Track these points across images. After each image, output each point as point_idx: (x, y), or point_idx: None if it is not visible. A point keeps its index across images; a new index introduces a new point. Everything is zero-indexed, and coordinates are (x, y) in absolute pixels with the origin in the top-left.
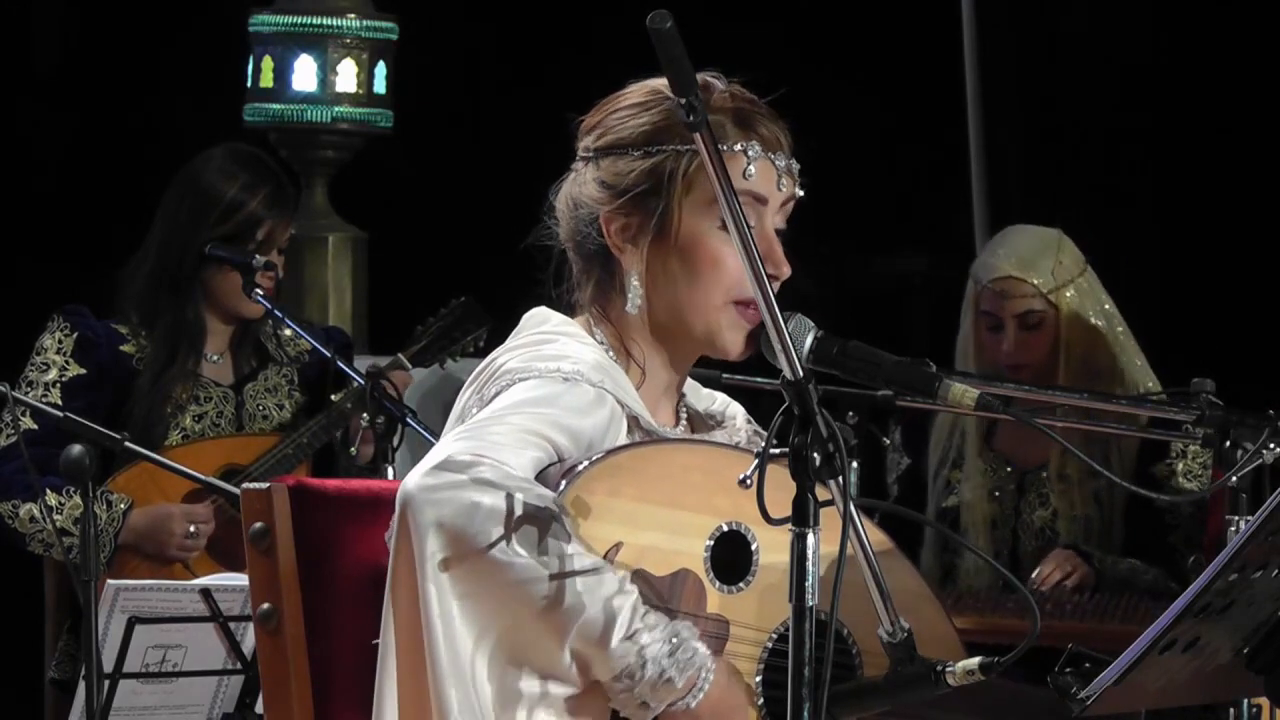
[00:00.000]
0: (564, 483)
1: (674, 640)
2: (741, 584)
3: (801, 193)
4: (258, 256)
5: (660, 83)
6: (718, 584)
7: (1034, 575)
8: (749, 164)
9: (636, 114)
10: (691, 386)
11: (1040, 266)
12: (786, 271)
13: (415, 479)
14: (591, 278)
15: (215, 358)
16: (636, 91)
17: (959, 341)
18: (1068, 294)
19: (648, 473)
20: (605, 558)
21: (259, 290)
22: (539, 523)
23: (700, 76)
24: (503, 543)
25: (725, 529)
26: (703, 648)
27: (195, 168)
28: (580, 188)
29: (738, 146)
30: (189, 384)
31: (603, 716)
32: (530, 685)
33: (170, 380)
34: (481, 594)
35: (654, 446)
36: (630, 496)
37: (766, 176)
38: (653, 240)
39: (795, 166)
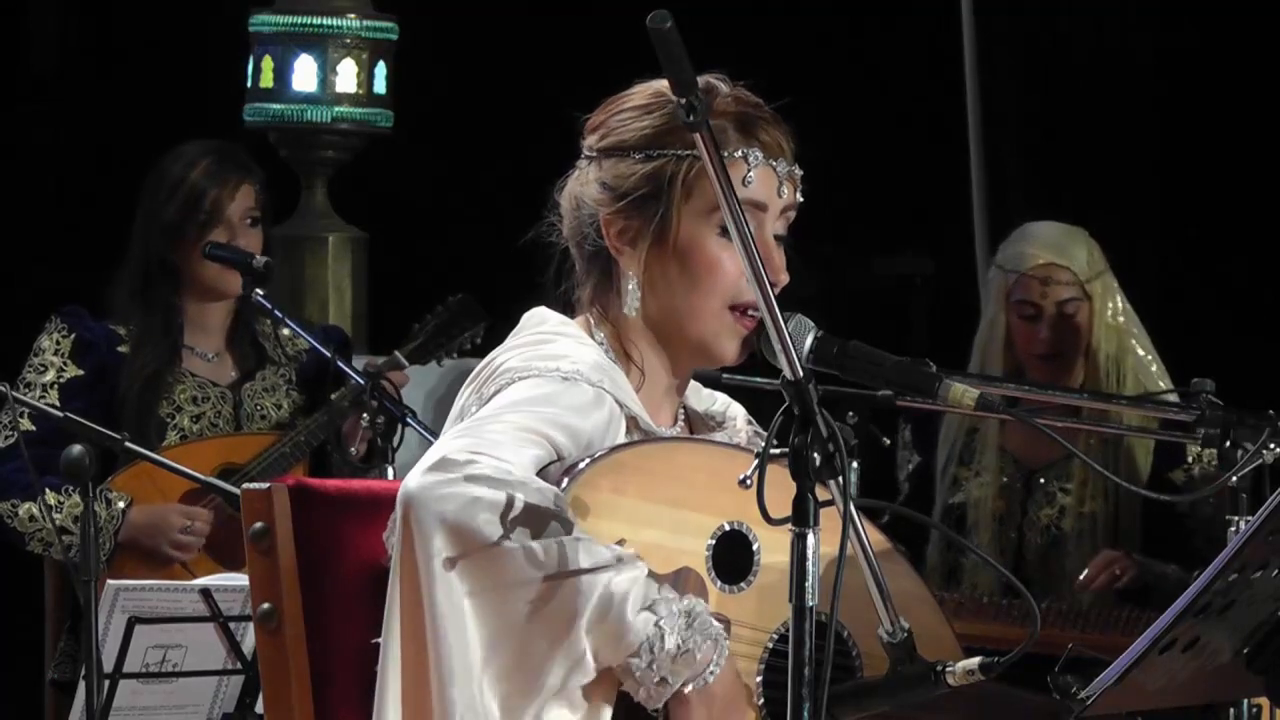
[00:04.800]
0: (566, 480)
1: (690, 614)
2: (742, 584)
3: (801, 199)
4: (257, 256)
5: (665, 85)
6: (719, 583)
7: (1081, 577)
8: (749, 170)
9: (639, 116)
10: (693, 387)
11: (1076, 256)
12: (784, 279)
13: (415, 478)
14: (591, 278)
15: (211, 356)
16: (641, 93)
17: (980, 336)
18: (1098, 286)
19: (651, 471)
20: None
21: (258, 291)
22: (542, 514)
23: (704, 78)
24: (506, 533)
25: (727, 528)
26: (716, 622)
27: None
28: (583, 187)
29: (739, 153)
30: (173, 375)
31: (608, 703)
32: (543, 677)
33: (155, 382)
34: (488, 586)
35: (658, 445)
36: (634, 494)
37: (767, 183)
38: (651, 244)
39: (797, 173)
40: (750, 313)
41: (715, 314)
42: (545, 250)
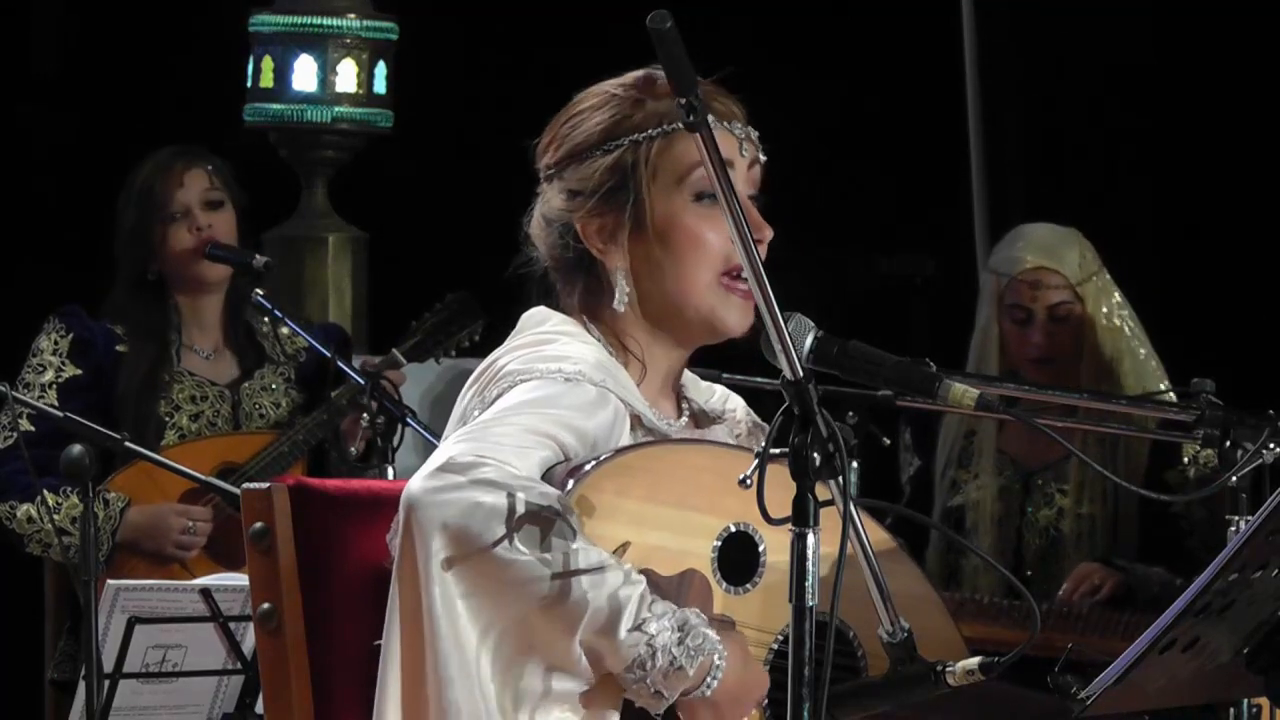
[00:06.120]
0: (571, 482)
1: (683, 628)
2: (748, 585)
3: (764, 158)
4: (257, 256)
5: (604, 85)
6: (724, 585)
7: (1060, 592)
8: None
9: (589, 116)
10: (691, 380)
11: (1067, 259)
12: (769, 233)
13: (418, 482)
14: (576, 287)
15: (208, 354)
16: (581, 100)
17: (975, 340)
18: (1091, 288)
19: (656, 473)
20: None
21: (258, 290)
22: (543, 520)
23: (647, 71)
24: (507, 541)
25: (733, 530)
26: (712, 633)
27: None
28: (548, 205)
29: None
30: (169, 375)
31: (614, 708)
32: (539, 682)
33: (150, 382)
34: (486, 593)
35: (663, 447)
36: (639, 497)
37: (727, 143)
38: (631, 232)
39: (753, 133)
40: (742, 276)
41: (708, 286)
42: (529, 282)
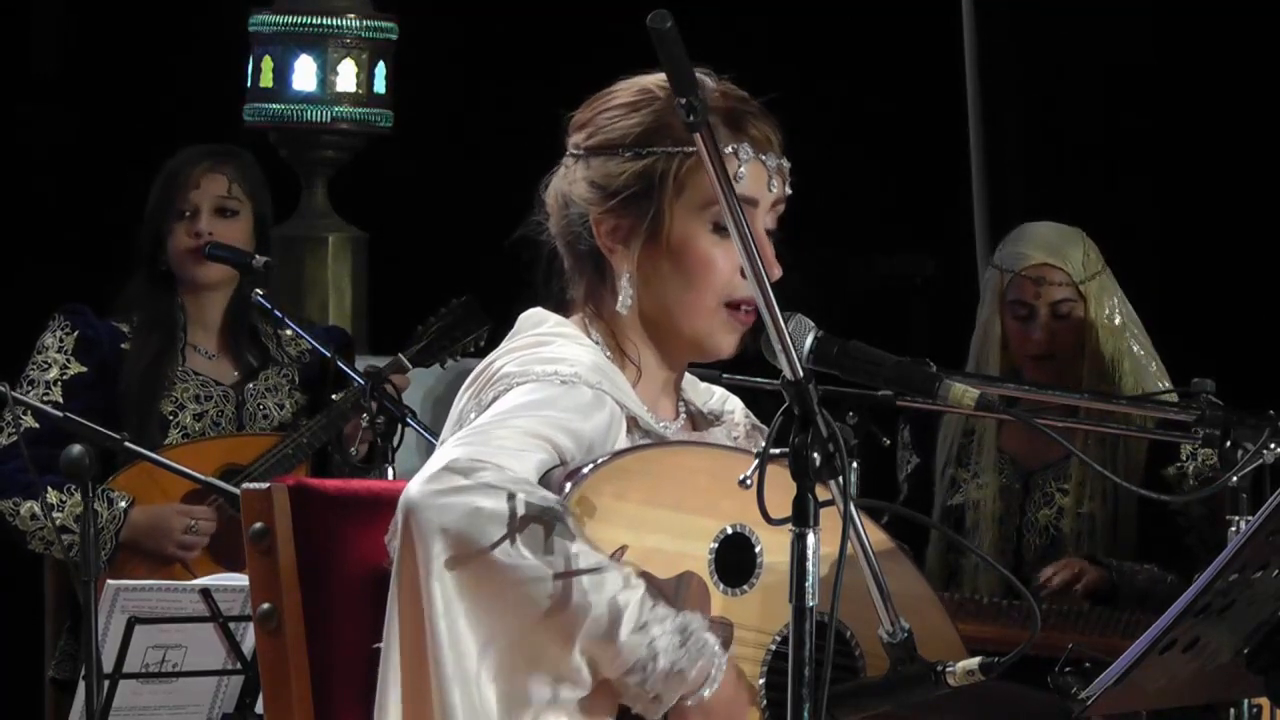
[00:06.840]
0: (569, 485)
1: (684, 632)
2: (746, 586)
3: (790, 192)
4: (257, 256)
5: (651, 81)
6: (722, 586)
7: (1039, 575)
8: (740, 166)
9: (627, 114)
10: (690, 382)
11: (1071, 257)
12: (777, 273)
13: (417, 485)
14: (584, 276)
15: (212, 354)
16: (627, 90)
17: (976, 336)
18: (1094, 287)
19: (654, 475)
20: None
21: (259, 291)
22: (542, 524)
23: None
24: (506, 544)
25: (729, 531)
26: (712, 638)
27: None
28: (570, 185)
29: (729, 149)
30: (174, 372)
31: (610, 715)
32: (537, 688)
33: (154, 373)
34: (486, 596)
35: (660, 449)
36: (636, 500)
37: (757, 178)
38: (644, 242)
39: (785, 165)
40: (745, 308)
41: (710, 311)
42: (534, 248)
